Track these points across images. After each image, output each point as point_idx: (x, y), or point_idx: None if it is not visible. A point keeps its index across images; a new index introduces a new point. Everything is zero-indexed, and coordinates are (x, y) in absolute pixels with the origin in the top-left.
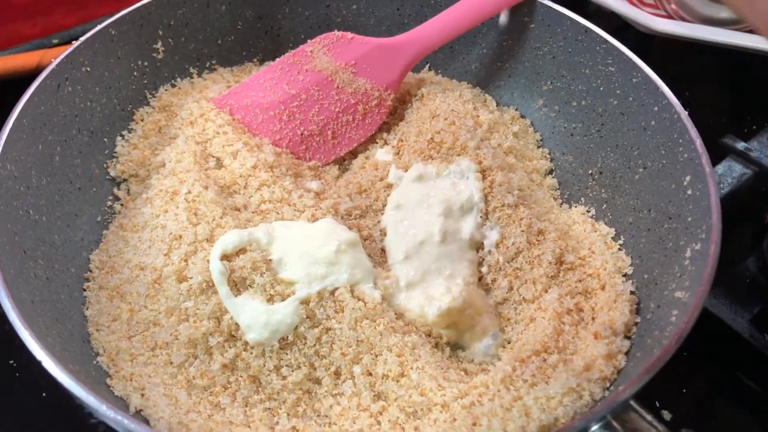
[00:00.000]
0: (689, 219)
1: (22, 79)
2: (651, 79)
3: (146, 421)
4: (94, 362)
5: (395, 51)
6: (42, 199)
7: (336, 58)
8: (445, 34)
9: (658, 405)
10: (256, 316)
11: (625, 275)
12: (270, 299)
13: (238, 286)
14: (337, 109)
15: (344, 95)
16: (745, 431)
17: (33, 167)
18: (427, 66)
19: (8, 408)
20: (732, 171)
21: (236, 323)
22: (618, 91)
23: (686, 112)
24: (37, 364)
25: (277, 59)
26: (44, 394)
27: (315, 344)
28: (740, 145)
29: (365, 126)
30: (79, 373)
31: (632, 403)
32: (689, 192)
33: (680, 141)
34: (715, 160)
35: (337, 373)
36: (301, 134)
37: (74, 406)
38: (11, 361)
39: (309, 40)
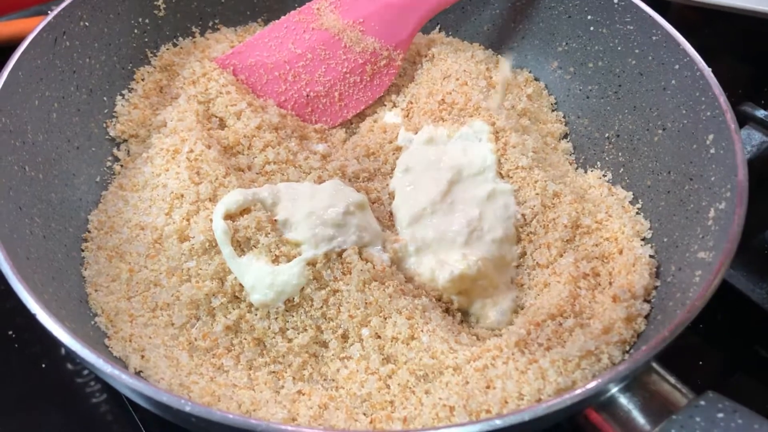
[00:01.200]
0: (712, 179)
1: None
2: (672, 36)
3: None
4: (92, 322)
5: (405, 8)
6: (39, 156)
7: (343, 15)
8: None
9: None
10: (260, 277)
11: (643, 239)
12: (275, 260)
13: (242, 246)
14: (345, 70)
15: (352, 55)
16: (765, 405)
17: (29, 122)
18: (438, 27)
19: (7, 379)
20: (751, 139)
21: (240, 284)
22: (636, 51)
23: (709, 69)
24: (37, 332)
25: (283, 17)
26: (43, 365)
27: (322, 306)
28: (760, 113)
29: (373, 87)
30: (76, 332)
31: (654, 365)
32: (712, 151)
33: (703, 99)
34: None
35: (345, 336)
36: (307, 95)
37: (73, 377)
38: (10, 332)
39: None
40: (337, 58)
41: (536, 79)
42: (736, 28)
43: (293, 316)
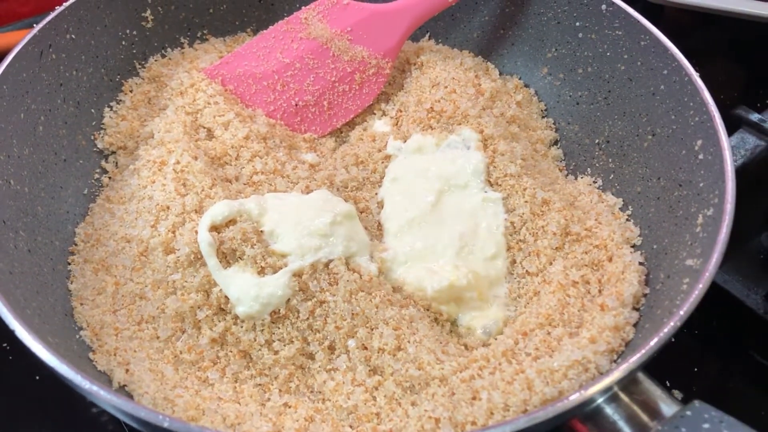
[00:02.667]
0: (701, 185)
1: None
2: (660, 41)
3: (130, 397)
4: (77, 336)
5: (393, 17)
6: (24, 170)
7: (331, 24)
8: None
9: (668, 384)
10: (246, 289)
11: (633, 246)
12: (261, 271)
13: (227, 257)
14: (333, 79)
15: (340, 64)
16: (759, 411)
17: (14, 136)
18: (428, 35)
19: (2, 391)
20: (745, 143)
21: (226, 296)
22: (625, 56)
23: (697, 74)
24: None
25: (271, 27)
26: (37, 378)
27: (308, 318)
28: (754, 117)
29: (362, 96)
30: (59, 347)
31: (641, 374)
32: (701, 156)
33: (691, 104)
34: (727, 132)
35: (331, 348)
36: (296, 105)
37: (70, 390)
38: (5, 344)
39: (303, 7)
40: (326, 67)
41: (526, 86)
42: (730, 31)
43: (279, 328)
